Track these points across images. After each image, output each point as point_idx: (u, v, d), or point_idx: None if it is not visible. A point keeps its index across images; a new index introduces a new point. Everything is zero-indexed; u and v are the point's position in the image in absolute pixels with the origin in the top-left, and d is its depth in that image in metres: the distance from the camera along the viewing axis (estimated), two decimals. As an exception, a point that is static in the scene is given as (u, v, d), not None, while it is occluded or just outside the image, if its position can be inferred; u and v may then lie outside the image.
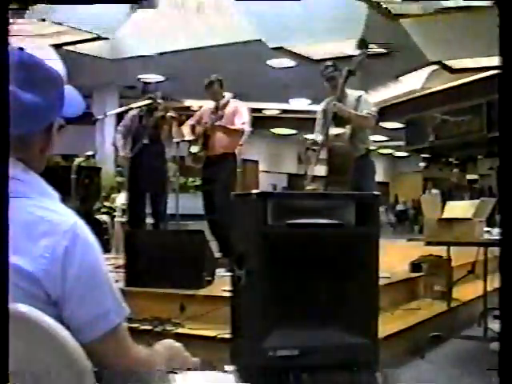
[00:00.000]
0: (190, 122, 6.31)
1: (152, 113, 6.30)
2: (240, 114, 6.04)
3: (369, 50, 5.31)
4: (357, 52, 5.25)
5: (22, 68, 1.28)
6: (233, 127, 5.94)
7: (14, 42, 1.35)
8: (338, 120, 5.21)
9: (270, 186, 19.65)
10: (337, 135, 5.15)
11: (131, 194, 6.44)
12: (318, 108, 5.74)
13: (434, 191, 19.96)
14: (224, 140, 5.98)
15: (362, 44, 5.26)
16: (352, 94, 5.35)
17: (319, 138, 5.34)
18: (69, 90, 1.44)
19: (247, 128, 5.95)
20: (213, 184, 6.00)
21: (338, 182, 4.97)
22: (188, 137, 6.21)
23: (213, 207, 6.00)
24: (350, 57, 5.47)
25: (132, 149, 6.31)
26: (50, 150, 1.39)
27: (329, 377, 2.90)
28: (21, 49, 1.33)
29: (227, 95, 6.17)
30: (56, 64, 1.37)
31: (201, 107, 6.58)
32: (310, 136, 5.58)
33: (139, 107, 6.36)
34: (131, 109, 6.45)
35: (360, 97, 5.36)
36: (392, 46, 10.73)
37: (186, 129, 6.27)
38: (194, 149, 6.14)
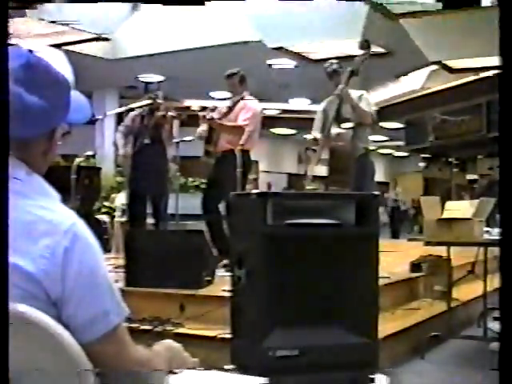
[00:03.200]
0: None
1: (153, 113, 6.30)
2: (246, 110, 5.88)
3: (371, 50, 5.31)
4: (359, 52, 5.26)
5: (29, 70, 1.28)
6: (230, 124, 5.85)
7: (20, 43, 1.35)
8: (340, 119, 5.22)
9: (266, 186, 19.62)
10: (338, 135, 5.16)
11: (132, 193, 6.43)
12: (319, 107, 5.74)
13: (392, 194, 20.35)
14: (227, 137, 5.88)
15: (365, 44, 5.26)
16: (353, 93, 5.37)
17: (318, 135, 5.34)
18: (76, 96, 1.43)
19: (249, 126, 5.81)
20: (216, 184, 5.92)
21: (339, 181, 4.97)
22: (198, 133, 6.11)
23: (211, 208, 5.93)
24: (350, 57, 5.48)
25: (133, 149, 6.32)
26: (53, 154, 1.39)
27: (329, 377, 2.90)
28: (30, 51, 1.33)
29: (245, 92, 6.05)
30: (65, 69, 1.37)
31: (203, 107, 6.52)
32: (308, 136, 5.57)
33: (139, 107, 6.36)
34: (131, 109, 6.45)
35: (361, 96, 5.40)
36: (392, 46, 10.74)
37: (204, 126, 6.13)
38: (205, 145, 6.05)
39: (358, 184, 5.00)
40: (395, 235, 18.23)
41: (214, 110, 6.01)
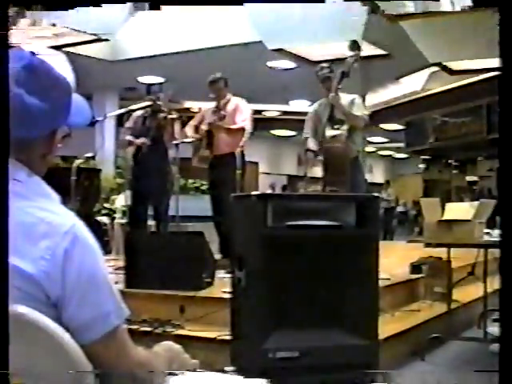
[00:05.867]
0: (193, 122, 6.30)
1: (155, 114, 6.31)
2: (241, 111, 6.02)
3: (361, 51, 5.32)
4: (350, 54, 5.26)
5: (30, 72, 1.28)
6: (233, 126, 5.92)
7: (21, 45, 1.35)
8: (334, 121, 5.23)
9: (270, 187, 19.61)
10: (334, 136, 5.17)
11: (133, 195, 6.44)
12: (310, 109, 5.76)
13: None
14: (227, 140, 5.96)
15: (354, 46, 5.27)
16: (345, 97, 5.38)
17: (312, 144, 5.37)
18: (77, 99, 1.44)
19: (248, 126, 5.93)
20: (220, 185, 5.97)
21: (336, 182, 4.98)
22: (191, 137, 6.20)
23: (220, 209, 5.98)
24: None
25: (136, 150, 6.33)
26: (52, 156, 1.39)
27: (329, 378, 2.90)
28: (32, 53, 1.33)
29: (229, 94, 6.17)
30: (66, 72, 1.37)
31: (200, 109, 6.58)
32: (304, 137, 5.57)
33: (139, 109, 6.37)
34: (131, 110, 6.45)
35: (353, 100, 5.40)
36: (392, 48, 10.73)
37: (189, 130, 6.27)
38: (200, 150, 6.12)
39: (353, 184, 5.04)
40: (387, 237, 17.20)
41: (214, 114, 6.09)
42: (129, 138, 6.46)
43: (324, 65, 5.60)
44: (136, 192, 6.39)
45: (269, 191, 12.72)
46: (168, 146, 6.39)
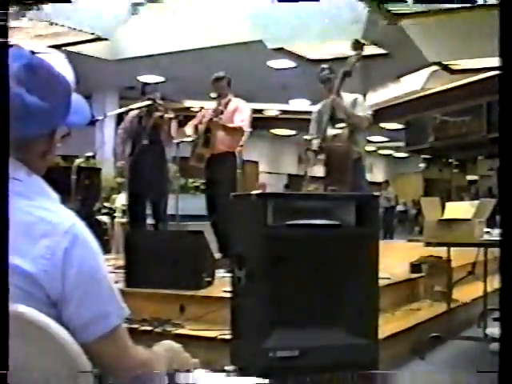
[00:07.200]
0: (194, 122, 6.29)
1: (151, 114, 6.29)
2: (240, 111, 6.00)
3: (363, 50, 5.31)
4: (351, 53, 5.26)
5: (30, 71, 1.28)
6: (231, 125, 5.90)
7: (21, 44, 1.35)
8: (335, 120, 5.23)
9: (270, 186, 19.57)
10: (335, 136, 5.16)
11: (131, 194, 6.43)
12: (314, 109, 5.76)
13: None
14: (225, 138, 5.94)
15: (357, 45, 5.26)
16: (348, 96, 5.37)
17: (314, 138, 5.36)
18: (77, 99, 1.44)
19: (246, 127, 5.92)
20: (216, 185, 5.97)
21: (338, 181, 4.98)
22: (191, 137, 6.19)
23: (216, 208, 5.98)
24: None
25: (132, 151, 6.32)
26: (52, 155, 1.39)
27: (329, 378, 2.90)
28: (32, 52, 1.33)
29: (230, 94, 6.17)
30: (66, 71, 1.38)
31: (202, 108, 6.57)
32: (306, 136, 5.58)
33: (139, 108, 6.35)
34: (131, 110, 6.44)
35: (356, 99, 5.39)
36: (392, 47, 10.74)
37: (189, 129, 6.25)
38: (198, 148, 6.11)
39: (355, 188, 5.03)
40: (387, 236, 17.12)
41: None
42: (118, 150, 6.50)
43: (324, 66, 5.60)
44: (133, 191, 6.38)
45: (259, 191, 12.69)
46: (165, 145, 6.38)
